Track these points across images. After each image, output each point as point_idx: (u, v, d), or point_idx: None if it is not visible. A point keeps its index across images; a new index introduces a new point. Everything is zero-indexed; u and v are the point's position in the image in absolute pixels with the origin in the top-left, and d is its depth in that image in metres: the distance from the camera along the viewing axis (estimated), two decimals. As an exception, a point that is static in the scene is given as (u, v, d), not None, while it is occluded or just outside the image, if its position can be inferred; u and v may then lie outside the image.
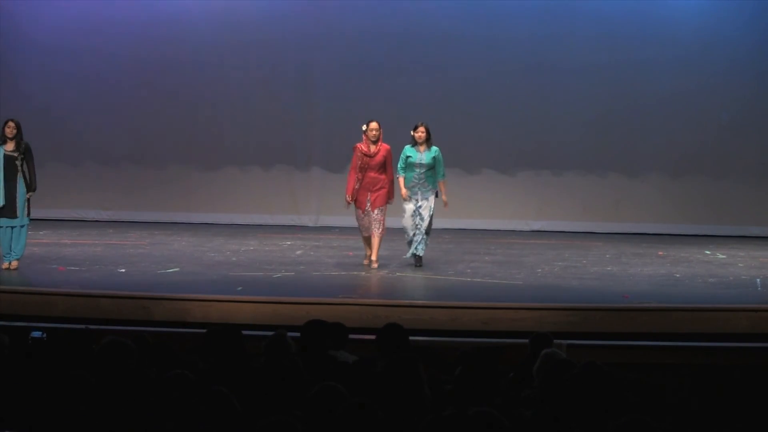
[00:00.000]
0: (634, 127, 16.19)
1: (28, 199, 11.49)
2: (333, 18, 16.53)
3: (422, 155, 11.92)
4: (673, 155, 16.19)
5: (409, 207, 11.91)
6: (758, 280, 11.49)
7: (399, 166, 11.96)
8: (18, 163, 11.43)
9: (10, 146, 11.44)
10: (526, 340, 6.84)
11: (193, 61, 16.80)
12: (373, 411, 4.51)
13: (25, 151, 11.47)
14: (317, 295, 9.89)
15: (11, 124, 11.47)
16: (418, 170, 11.89)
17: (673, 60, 16.02)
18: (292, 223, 16.71)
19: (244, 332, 6.42)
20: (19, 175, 11.43)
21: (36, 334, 7.53)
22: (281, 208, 16.86)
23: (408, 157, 11.92)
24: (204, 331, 6.39)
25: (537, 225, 16.38)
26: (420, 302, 9.58)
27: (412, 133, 12.00)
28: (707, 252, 13.94)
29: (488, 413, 4.38)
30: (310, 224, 16.69)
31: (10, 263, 11.46)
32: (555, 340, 6.73)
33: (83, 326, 7.43)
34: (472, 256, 13.34)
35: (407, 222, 11.93)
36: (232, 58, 16.74)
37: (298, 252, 13.49)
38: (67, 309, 9.49)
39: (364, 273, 11.57)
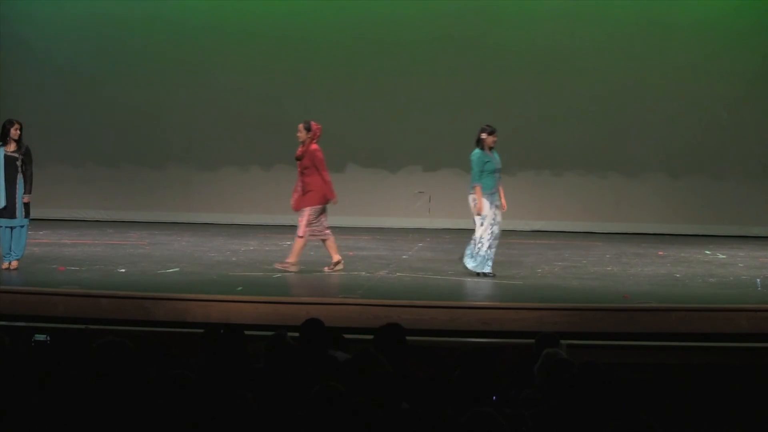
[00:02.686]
0: (634, 127, 16.20)
1: (26, 203, 11.47)
2: (333, 18, 16.54)
3: (497, 159, 11.26)
4: (673, 155, 16.20)
5: (491, 215, 11.17)
6: (758, 280, 11.48)
7: (476, 173, 11.13)
8: (18, 164, 11.42)
9: (11, 147, 11.44)
10: (527, 340, 6.84)
11: (193, 62, 16.81)
12: (373, 410, 4.51)
13: (25, 153, 11.46)
14: (317, 295, 9.88)
15: (17, 125, 11.48)
16: (497, 175, 11.19)
17: (673, 60, 16.04)
18: (292, 223, 16.68)
19: (244, 332, 6.41)
20: (19, 176, 11.42)
21: (39, 337, 7.52)
22: (281, 208, 16.85)
23: (487, 162, 11.15)
24: (202, 331, 6.39)
25: (537, 225, 16.39)
26: (420, 302, 9.57)
27: (484, 136, 11.20)
28: (707, 252, 13.94)
29: (488, 413, 4.38)
30: (310, 224, 16.68)
31: (10, 263, 11.45)
32: (555, 340, 6.73)
33: (83, 326, 7.43)
34: (472, 256, 13.31)
35: (485, 232, 11.19)
36: (232, 58, 16.76)
37: (298, 252, 13.46)
38: (67, 309, 9.48)
39: (364, 273, 11.56)
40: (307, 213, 11.57)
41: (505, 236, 15.74)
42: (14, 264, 11.47)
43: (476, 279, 11.25)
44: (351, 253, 13.23)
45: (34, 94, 16.87)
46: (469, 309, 9.39)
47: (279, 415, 4.88)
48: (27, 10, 17.01)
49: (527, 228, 16.35)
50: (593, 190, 16.42)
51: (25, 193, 11.45)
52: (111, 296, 9.74)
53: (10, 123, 11.49)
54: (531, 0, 16.30)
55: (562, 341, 6.77)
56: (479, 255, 11.24)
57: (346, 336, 7.24)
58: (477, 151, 11.23)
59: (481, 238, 11.21)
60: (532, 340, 6.81)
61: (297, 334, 6.46)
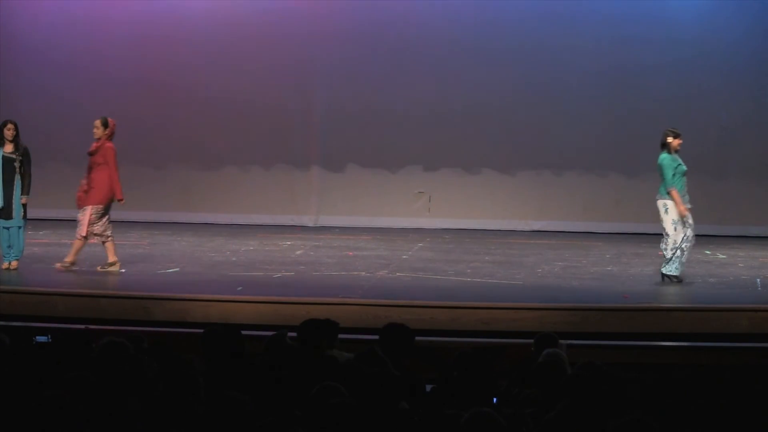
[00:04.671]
0: (635, 127, 16.18)
1: (24, 205, 11.45)
2: (333, 18, 16.53)
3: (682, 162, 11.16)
4: (673, 155, 16.18)
5: (682, 220, 10.96)
6: (758, 280, 11.49)
7: (669, 176, 10.98)
8: (16, 165, 11.42)
9: (8, 148, 11.43)
10: (527, 340, 6.85)
11: (193, 61, 16.79)
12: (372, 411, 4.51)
13: (23, 154, 11.46)
14: (317, 295, 9.88)
15: (10, 125, 11.45)
16: (685, 178, 11.08)
17: (673, 61, 16.02)
18: (292, 223, 16.70)
19: (244, 332, 6.41)
20: (17, 177, 11.42)
21: (41, 338, 7.52)
22: (281, 208, 16.86)
23: (678, 165, 11.04)
24: (203, 331, 6.39)
25: (537, 225, 16.38)
26: (420, 302, 9.58)
27: (670, 139, 11.13)
28: (707, 252, 13.94)
29: (487, 413, 4.38)
30: (310, 224, 16.69)
31: (9, 263, 11.45)
32: (555, 341, 6.73)
33: (83, 326, 7.43)
34: (472, 256, 13.33)
35: (678, 235, 10.96)
36: (232, 57, 16.74)
37: (298, 252, 13.49)
38: (67, 309, 9.49)
39: (364, 273, 11.56)
40: (89, 212, 11.37)
41: (505, 236, 15.81)
42: (14, 264, 11.47)
43: (476, 279, 11.25)
44: (351, 253, 13.24)
45: (34, 94, 16.85)
46: (469, 309, 9.40)
47: (278, 415, 4.88)
48: (27, 10, 16.99)
49: (527, 228, 16.34)
50: (593, 190, 16.41)
51: (22, 194, 11.45)
52: (111, 296, 9.76)
53: (3, 124, 11.47)
54: (531, 0, 16.28)
55: (562, 341, 6.78)
56: (672, 259, 11.00)
57: (347, 336, 7.23)
58: (665, 154, 11.08)
59: (675, 242, 10.96)
60: (532, 340, 6.82)
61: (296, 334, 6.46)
